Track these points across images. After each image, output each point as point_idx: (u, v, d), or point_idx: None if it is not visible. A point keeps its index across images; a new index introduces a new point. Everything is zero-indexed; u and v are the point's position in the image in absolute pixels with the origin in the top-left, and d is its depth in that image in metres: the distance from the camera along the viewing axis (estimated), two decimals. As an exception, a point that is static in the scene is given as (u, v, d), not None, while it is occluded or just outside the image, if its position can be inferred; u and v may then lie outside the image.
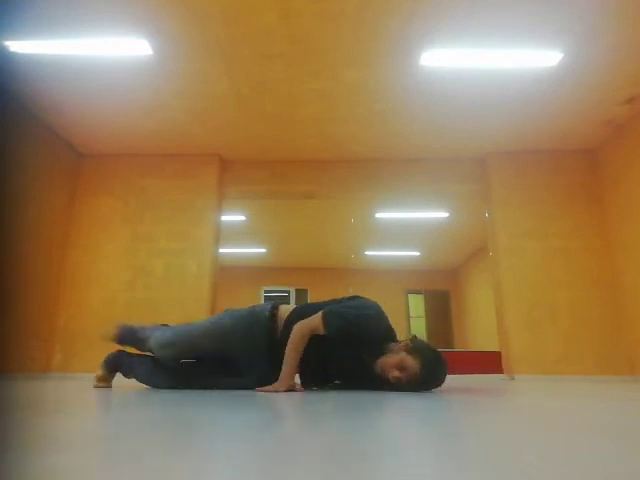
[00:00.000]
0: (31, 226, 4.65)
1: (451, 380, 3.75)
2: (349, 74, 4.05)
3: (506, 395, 1.69)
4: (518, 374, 4.74)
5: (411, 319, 11.37)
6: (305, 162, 5.61)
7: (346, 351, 1.95)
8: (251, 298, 11.12)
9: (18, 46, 3.64)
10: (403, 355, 1.85)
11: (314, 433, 0.60)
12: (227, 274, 11.07)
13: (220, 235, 5.52)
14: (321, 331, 1.90)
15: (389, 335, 2.02)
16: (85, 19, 3.40)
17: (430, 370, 1.84)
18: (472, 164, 5.56)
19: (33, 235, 4.69)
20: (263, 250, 9.84)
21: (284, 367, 1.85)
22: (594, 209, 5.16)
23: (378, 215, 7.55)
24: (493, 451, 0.48)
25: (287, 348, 1.88)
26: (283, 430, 0.63)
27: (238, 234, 8.69)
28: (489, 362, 5.87)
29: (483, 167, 5.53)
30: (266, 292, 11.16)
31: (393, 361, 1.86)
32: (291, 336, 1.89)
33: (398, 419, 0.80)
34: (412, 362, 1.83)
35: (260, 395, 1.56)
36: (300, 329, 1.90)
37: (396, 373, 1.83)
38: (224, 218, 7.36)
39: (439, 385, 1.90)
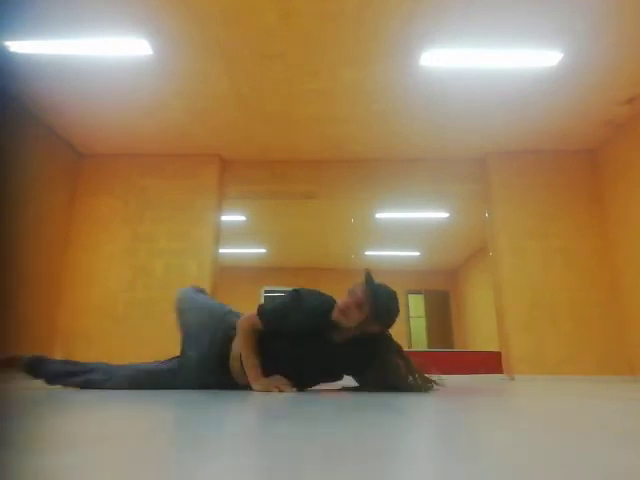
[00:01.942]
0: (31, 226, 4.65)
1: (451, 380, 3.75)
2: (349, 74, 4.05)
3: (506, 395, 1.69)
4: (518, 374, 4.74)
5: (411, 319, 11.37)
6: (305, 162, 5.61)
7: (303, 344, 1.81)
8: (251, 298, 11.12)
9: (18, 46, 3.64)
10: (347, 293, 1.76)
11: (314, 433, 0.60)
12: (227, 274, 11.07)
13: (220, 235, 5.52)
14: (259, 325, 1.81)
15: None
16: (85, 19, 3.40)
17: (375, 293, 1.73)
18: (472, 164, 5.55)
19: (33, 235, 4.69)
20: (263, 250, 9.84)
21: (246, 369, 1.80)
22: (594, 209, 5.16)
23: (378, 215, 7.55)
24: (493, 451, 0.48)
25: (239, 347, 1.82)
26: (283, 430, 0.63)
27: (238, 234, 8.69)
28: (489, 362, 5.88)
29: (483, 167, 5.53)
30: (266, 292, 11.16)
31: (343, 304, 1.74)
32: (237, 333, 1.85)
33: (397, 419, 0.80)
34: (357, 289, 1.74)
35: (258, 395, 1.56)
36: (240, 324, 1.84)
37: (350, 308, 1.73)
38: (224, 218, 7.36)
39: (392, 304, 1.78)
